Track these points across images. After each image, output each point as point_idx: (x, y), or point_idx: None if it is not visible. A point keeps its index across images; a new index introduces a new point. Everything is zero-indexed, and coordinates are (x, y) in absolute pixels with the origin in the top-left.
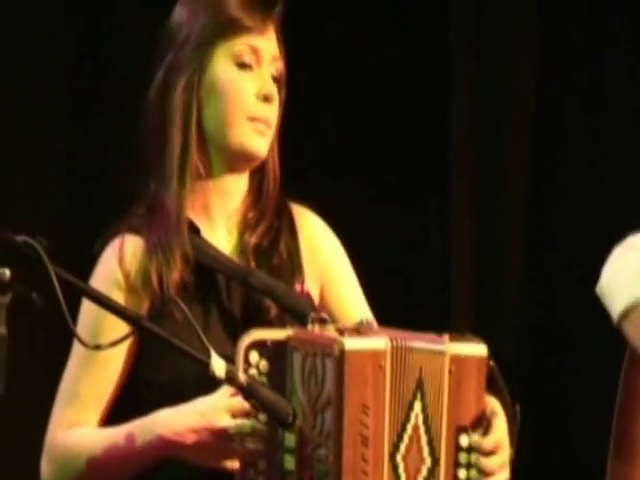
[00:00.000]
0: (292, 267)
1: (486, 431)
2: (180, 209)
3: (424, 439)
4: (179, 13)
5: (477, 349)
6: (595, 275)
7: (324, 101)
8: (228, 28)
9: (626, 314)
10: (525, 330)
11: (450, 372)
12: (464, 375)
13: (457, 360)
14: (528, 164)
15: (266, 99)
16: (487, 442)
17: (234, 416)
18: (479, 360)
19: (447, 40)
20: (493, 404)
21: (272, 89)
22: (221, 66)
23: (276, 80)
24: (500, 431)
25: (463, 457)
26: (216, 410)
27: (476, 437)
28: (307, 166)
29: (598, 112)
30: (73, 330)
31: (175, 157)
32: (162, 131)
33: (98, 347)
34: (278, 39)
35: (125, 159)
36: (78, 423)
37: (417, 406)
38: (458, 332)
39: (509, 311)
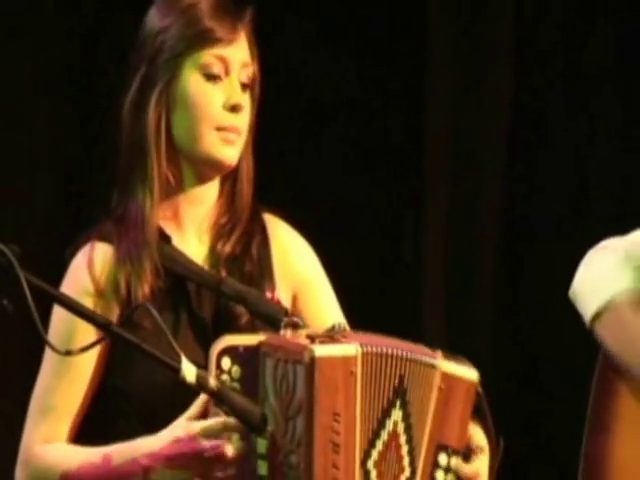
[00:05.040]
0: (263, 273)
1: (466, 459)
2: (150, 221)
3: (405, 448)
4: (153, 20)
5: (469, 373)
6: (567, 286)
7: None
8: (198, 40)
9: (598, 316)
10: (497, 340)
11: (440, 389)
12: (453, 395)
13: (448, 378)
14: (503, 177)
15: (233, 109)
16: (468, 468)
17: (210, 438)
18: (469, 384)
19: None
20: (479, 437)
21: (240, 98)
22: (189, 78)
23: (247, 86)
24: (483, 465)
25: (440, 475)
26: (190, 436)
27: (455, 459)
28: (277, 174)
29: (575, 120)
30: (44, 337)
31: (150, 171)
32: (137, 145)
33: (69, 353)
34: (250, 44)
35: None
36: (53, 435)
37: (396, 413)
38: (451, 353)
39: (481, 323)
